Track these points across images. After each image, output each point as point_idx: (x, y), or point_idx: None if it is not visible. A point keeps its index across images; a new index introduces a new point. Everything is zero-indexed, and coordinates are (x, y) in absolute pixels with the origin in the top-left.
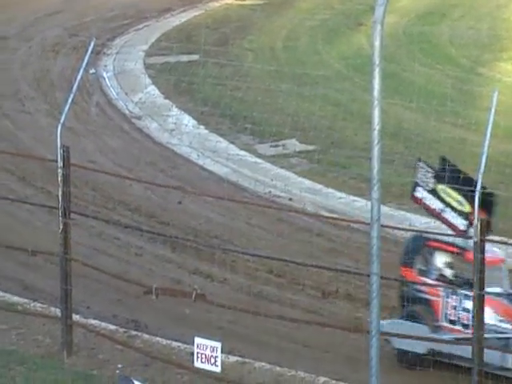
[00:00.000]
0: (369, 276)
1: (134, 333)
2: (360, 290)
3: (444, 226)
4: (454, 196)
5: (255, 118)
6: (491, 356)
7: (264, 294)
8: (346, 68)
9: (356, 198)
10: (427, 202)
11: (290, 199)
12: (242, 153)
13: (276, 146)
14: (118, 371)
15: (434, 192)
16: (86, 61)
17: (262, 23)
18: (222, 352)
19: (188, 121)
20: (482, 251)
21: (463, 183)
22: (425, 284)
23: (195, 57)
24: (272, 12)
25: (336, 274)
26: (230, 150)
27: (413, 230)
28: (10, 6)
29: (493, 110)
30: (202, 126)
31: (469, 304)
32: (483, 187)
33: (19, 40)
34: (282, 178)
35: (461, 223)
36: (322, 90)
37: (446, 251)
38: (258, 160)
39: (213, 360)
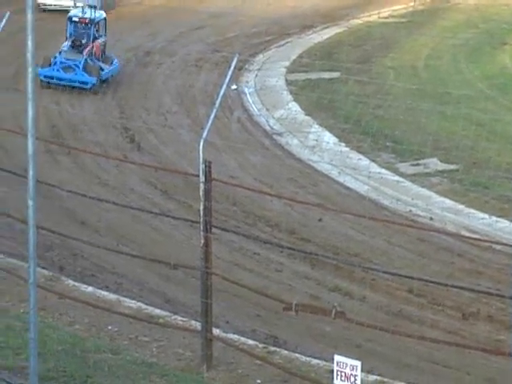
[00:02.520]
0: (511, 298)
1: (272, 348)
2: (502, 312)
3: None
4: None
5: (396, 136)
6: None
7: (404, 314)
8: (489, 87)
9: (498, 219)
10: None
11: (431, 218)
12: (383, 171)
13: (417, 164)
14: None
15: None
16: (228, 77)
17: (404, 41)
18: (361, 371)
19: (329, 138)
20: None
21: None
22: None
23: (337, 74)
24: (414, 30)
25: (477, 296)
26: (370, 167)
27: None
28: (157, 20)
29: None
30: (342, 144)
31: None
32: None
33: (163, 55)
34: (423, 197)
35: None
36: (465, 110)
37: None
38: (399, 178)
39: (352, 379)
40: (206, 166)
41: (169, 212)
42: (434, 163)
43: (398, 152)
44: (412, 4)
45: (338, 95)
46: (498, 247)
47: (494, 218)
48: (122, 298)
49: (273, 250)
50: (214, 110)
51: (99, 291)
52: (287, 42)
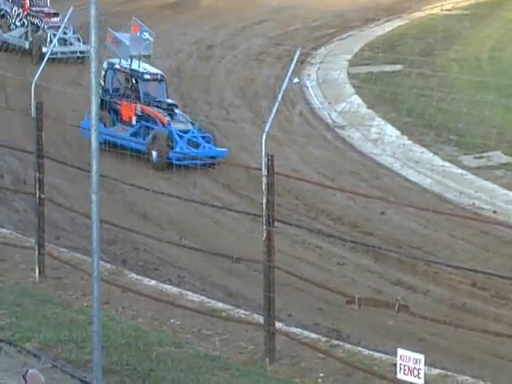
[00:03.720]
0: None
1: (335, 342)
2: None
3: None
4: None
5: (460, 129)
6: None
7: (467, 307)
8: None
9: None
10: None
11: (495, 212)
12: (446, 164)
13: (480, 157)
14: (319, 380)
15: None
16: (291, 70)
17: (467, 33)
18: (424, 364)
19: (391, 131)
20: None
21: None
22: None
23: (399, 67)
24: (478, 22)
25: None
26: (433, 161)
27: None
28: (220, 14)
29: None
30: (405, 137)
31: None
32: None
33: (225, 48)
34: (487, 190)
35: None
36: None
37: None
38: (463, 171)
39: (416, 372)
40: (268, 160)
41: (231, 206)
42: (498, 156)
43: (461, 145)
44: None
45: (401, 88)
46: None
47: None
48: (184, 292)
49: (335, 243)
50: (276, 104)
51: (162, 285)
52: (349, 35)
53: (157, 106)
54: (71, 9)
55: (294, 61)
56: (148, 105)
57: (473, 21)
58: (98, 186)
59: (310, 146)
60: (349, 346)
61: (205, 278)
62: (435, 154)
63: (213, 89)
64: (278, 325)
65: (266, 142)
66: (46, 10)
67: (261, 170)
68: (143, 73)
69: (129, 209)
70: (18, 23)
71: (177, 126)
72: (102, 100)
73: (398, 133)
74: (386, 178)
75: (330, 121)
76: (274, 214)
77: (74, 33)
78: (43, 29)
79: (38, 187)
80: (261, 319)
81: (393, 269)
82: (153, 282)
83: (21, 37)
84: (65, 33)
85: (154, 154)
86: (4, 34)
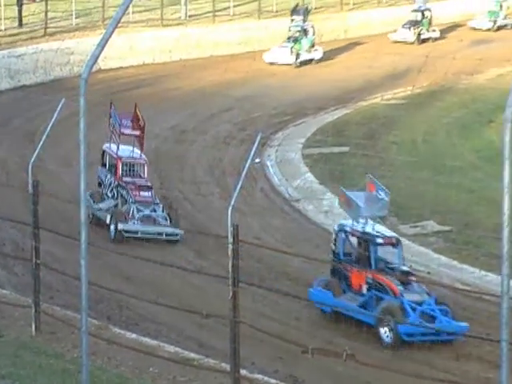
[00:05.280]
0: (498, 342)
1: None
2: (490, 353)
3: None
4: None
5: (399, 202)
6: None
7: (405, 355)
8: (478, 159)
9: (487, 273)
10: None
11: (429, 273)
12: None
13: (416, 226)
14: None
15: None
16: (253, 152)
17: (404, 120)
18: None
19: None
20: None
21: None
22: None
23: (346, 149)
24: (413, 110)
25: (469, 339)
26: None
27: None
28: (193, 103)
29: None
30: None
31: None
32: None
33: (197, 133)
34: (422, 254)
35: None
36: (457, 179)
37: None
38: (401, 238)
39: None
40: (233, 229)
41: (202, 269)
42: (431, 225)
43: (400, 216)
44: (411, 88)
45: (348, 167)
46: (487, 297)
47: (484, 273)
48: (161, 344)
49: (293, 300)
50: (241, 181)
51: (142, 338)
52: (303, 122)
53: (389, 274)
54: (62, 100)
55: (256, 143)
56: (380, 272)
57: (409, 109)
58: (86, 252)
59: (270, 217)
60: None
61: (179, 332)
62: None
63: (186, 168)
64: (243, 372)
65: (232, 213)
66: (138, 181)
67: (227, 238)
68: (375, 236)
69: (114, 272)
70: (109, 194)
71: (410, 297)
72: (333, 267)
73: None
74: None
75: (287, 195)
76: (239, 276)
77: (163, 210)
78: (128, 203)
79: (34, 254)
80: (228, 367)
81: (342, 323)
82: (134, 336)
83: (108, 209)
84: (154, 210)
85: (382, 330)
86: (94, 205)
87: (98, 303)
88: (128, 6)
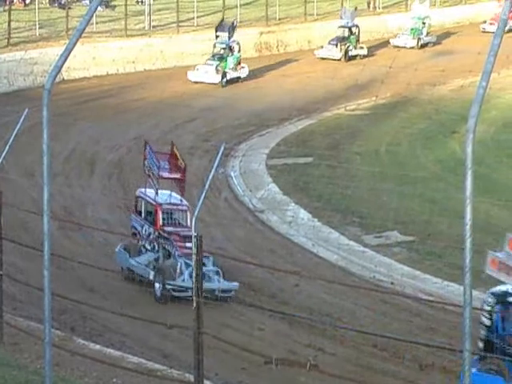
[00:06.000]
0: (461, 352)
1: None
2: (453, 363)
3: None
4: None
5: (362, 212)
6: None
7: (369, 366)
8: (441, 170)
9: (450, 283)
10: None
11: (392, 283)
12: (351, 242)
13: (380, 236)
14: None
15: None
16: (216, 162)
17: (368, 130)
18: None
19: (304, 214)
20: None
21: None
22: None
23: (310, 159)
24: (377, 121)
25: (432, 350)
26: (340, 240)
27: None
28: (157, 114)
29: None
30: (315, 219)
31: None
32: None
33: (160, 143)
34: (385, 264)
35: None
36: (420, 189)
37: None
38: (365, 249)
39: None
40: (197, 240)
41: None
42: (395, 235)
43: (363, 226)
44: (374, 98)
45: (312, 178)
46: (450, 308)
47: (446, 283)
48: (125, 355)
49: (256, 311)
50: (204, 191)
51: (105, 349)
52: (267, 132)
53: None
54: (26, 111)
55: (220, 154)
56: None
57: (373, 120)
58: (49, 263)
59: (234, 227)
60: None
61: (143, 343)
62: (341, 234)
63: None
64: (207, 383)
65: (196, 224)
66: (181, 231)
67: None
68: None
69: (77, 283)
70: (148, 246)
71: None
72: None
73: (310, 216)
74: (300, 254)
75: (251, 206)
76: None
77: (213, 264)
78: (173, 256)
79: None
80: (191, 378)
81: (305, 333)
82: (98, 347)
83: (148, 264)
84: (204, 264)
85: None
86: (130, 259)
87: (62, 314)
88: (91, 17)
